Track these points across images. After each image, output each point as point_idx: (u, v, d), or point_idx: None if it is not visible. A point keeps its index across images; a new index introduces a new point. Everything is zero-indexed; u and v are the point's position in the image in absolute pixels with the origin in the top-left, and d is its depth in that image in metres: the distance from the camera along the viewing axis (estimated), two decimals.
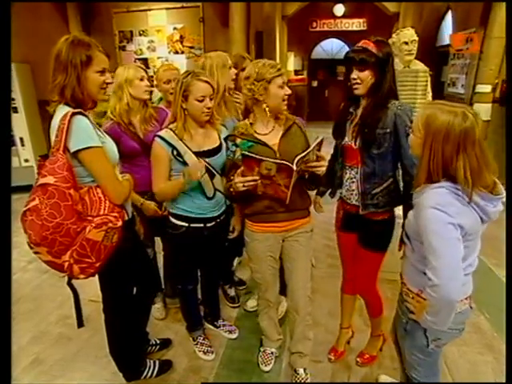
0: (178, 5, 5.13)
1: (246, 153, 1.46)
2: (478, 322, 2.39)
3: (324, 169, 1.53)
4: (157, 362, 1.99)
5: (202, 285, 2.27)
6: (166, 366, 2.01)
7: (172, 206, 1.82)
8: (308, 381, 1.91)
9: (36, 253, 1.34)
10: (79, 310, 1.57)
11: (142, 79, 1.97)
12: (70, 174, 1.30)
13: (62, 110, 1.35)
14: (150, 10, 5.25)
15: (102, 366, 2.04)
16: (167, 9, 5.20)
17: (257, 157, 1.44)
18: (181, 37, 5.24)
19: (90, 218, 1.35)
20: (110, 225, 1.37)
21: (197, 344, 2.15)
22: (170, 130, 1.71)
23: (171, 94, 2.04)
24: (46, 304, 2.61)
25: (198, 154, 1.71)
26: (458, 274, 1.06)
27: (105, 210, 1.39)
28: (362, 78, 1.49)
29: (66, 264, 1.34)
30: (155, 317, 2.44)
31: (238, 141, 1.63)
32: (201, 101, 1.65)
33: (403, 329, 1.36)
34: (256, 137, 1.62)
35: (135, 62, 5.39)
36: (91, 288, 2.07)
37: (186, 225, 1.82)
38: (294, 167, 1.42)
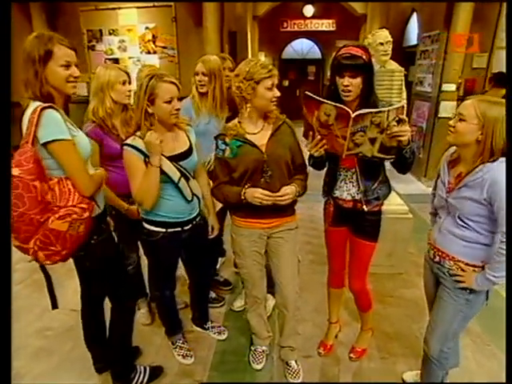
0: (150, 4, 5.02)
1: (308, 93, 1.45)
2: None
3: (409, 135, 1.43)
4: (147, 368, 1.95)
5: (190, 288, 2.26)
6: (157, 371, 1.98)
7: (148, 212, 1.75)
8: (300, 372, 1.95)
9: None
10: (52, 292, 1.60)
11: (123, 83, 1.91)
12: (36, 165, 1.31)
13: (33, 106, 1.35)
14: (119, 8, 5.10)
15: (86, 378, 1.97)
16: (138, 8, 5.08)
17: (317, 98, 1.41)
18: (153, 36, 5.13)
19: (56, 208, 1.37)
20: (75, 216, 1.39)
21: (176, 348, 2.13)
22: (139, 137, 1.62)
23: None
24: (23, 316, 2.48)
25: (171, 159, 1.68)
26: None
27: (73, 201, 1.41)
28: (355, 85, 1.49)
29: (31, 250, 1.40)
30: (141, 322, 2.39)
31: (228, 139, 1.63)
32: (169, 102, 1.60)
33: (465, 300, 1.48)
34: (245, 137, 1.62)
35: (105, 62, 5.23)
36: (73, 297, 2.01)
37: (164, 230, 1.77)
38: (352, 115, 1.35)
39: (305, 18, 10.72)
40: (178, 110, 1.64)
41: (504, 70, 4.93)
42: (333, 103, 1.39)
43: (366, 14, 8.54)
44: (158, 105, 1.59)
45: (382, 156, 1.50)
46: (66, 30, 5.31)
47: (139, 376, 1.89)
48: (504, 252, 1.29)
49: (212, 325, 2.30)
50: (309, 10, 10.44)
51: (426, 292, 1.75)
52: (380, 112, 1.36)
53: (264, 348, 2.08)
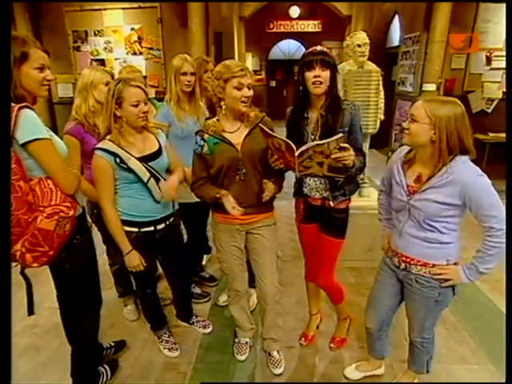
0: (135, 5, 5.04)
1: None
2: None
3: (352, 158, 1.51)
4: (106, 367, 1.99)
5: (171, 288, 2.29)
6: (114, 365, 2.04)
7: (120, 212, 1.78)
8: (282, 362, 2.03)
9: None
10: (31, 298, 1.57)
11: (107, 84, 1.96)
12: (18, 166, 1.31)
13: None
14: (105, 9, 5.11)
15: None
16: (123, 9, 5.09)
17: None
18: (139, 37, 5.15)
19: (41, 208, 1.37)
20: (62, 214, 1.39)
21: (161, 342, 2.18)
22: (109, 140, 1.68)
23: None
24: None
25: (141, 159, 1.73)
26: None
27: (56, 200, 1.41)
28: (324, 78, 1.59)
29: (18, 253, 1.36)
30: (128, 318, 2.44)
31: (206, 136, 1.68)
32: (136, 105, 1.65)
33: (434, 302, 1.53)
34: (222, 135, 1.68)
35: (91, 63, 5.23)
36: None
37: (136, 230, 1.80)
38: (296, 153, 1.46)
39: (291, 18, 10.83)
40: (144, 112, 1.69)
41: (481, 71, 5.12)
42: (281, 138, 1.51)
43: (351, 16, 8.70)
44: (125, 108, 1.65)
45: (333, 175, 1.61)
46: (51, 30, 5.30)
47: (102, 376, 1.95)
48: (495, 245, 1.34)
49: (197, 319, 2.36)
50: (294, 10, 10.56)
51: (379, 296, 1.74)
52: (318, 145, 1.47)
53: (247, 340, 2.15)
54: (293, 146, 1.46)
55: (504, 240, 1.34)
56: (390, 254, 1.64)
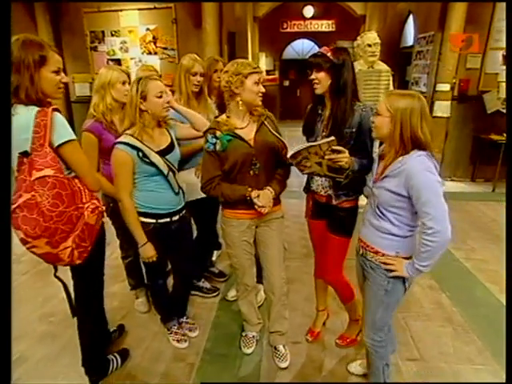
0: (151, 5, 5.14)
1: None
2: (440, 299, 2.62)
3: (346, 160, 1.57)
4: (116, 355, 2.06)
5: (175, 279, 2.31)
6: (124, 354, 2.12)
7: (138, 205, 1.84)
8: (288, 356, 2.06)
9: (32, 247, 1.38)
10: (70, 298, 1.64)
11: (123, 83, 2.04)
12: (60, 166, 1.38)
13: (22, 110, 1.35)
14: (121, 10, 5.22)
15: None
16: (139, 9, 5.19)
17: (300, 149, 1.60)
18: (154, 38, 5.25)
19: (81, 205, 1.43)
20: (100, 209, 1.49)
21: (171, 333, 2.24)
22: (129, 135, 1.76)
23: None
24: (27, 305, 2.61)
25: (158, 153, 1.81)
26: (448, 220, 1.34)
27: (86, 197, 1.48)
28: (319, 79, 1.69)
29: (68, 250, 1.41)
30: (139, 310, 2.52)
31: (218, 133, 1.73)
32: (159, 97, 1.76)
33: (384, 291, 1.55)
34: (235, 131, 1.73)
35: (107, 62, 5.35)
36: None
37: (154, 221, 1.87)
38: (288, 155, 1.60)
39: (305, 18, 10.83)
40: (168, 103, 1.80)
41: (497, 71, 5.03)
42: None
43: (365, 15, 8.65)
44: (150, 100, 1.74)
45: (333, 175, 1.67)
46: (70, 31, 5.45)
47: (113, 364, 2.02)
48: (427, 243, 1.34)
49: (186, 320, 2.36)
50: (309, 10, 10.55)
51: (358, 284, 1.79)
52: (311, 147, 1.55)
53: (254, 334, 2.20)
54: (287, 148, 1.59)
55: (436, 240, 1.32)
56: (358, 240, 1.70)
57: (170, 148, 1.89)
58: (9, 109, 1.33)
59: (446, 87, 4.90)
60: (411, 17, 6.23)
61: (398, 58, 6.63)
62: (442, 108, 4.95)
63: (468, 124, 5.22)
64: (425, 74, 5.40)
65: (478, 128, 5.16)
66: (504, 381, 1.35)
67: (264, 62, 11.15)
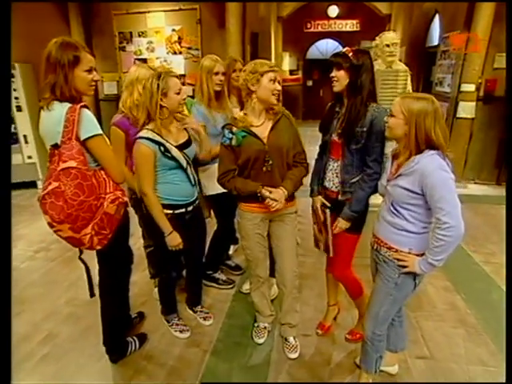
0: (176, 7, 5.31)
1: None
2: (454, 301, 2.61)
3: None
4: (135, 338, 2.18)
5: (187, 271, 2.42)
6: (143, 337, 2.24)
7: (158, 196, 1.91)
8: (298, 348, 2.12)
9: (57, 230, 1.52)
10: (90, 281, 1.77)
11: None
12: (85, 158, 1.51)
13: (57, 106, 1.48)
14: (148, 11, 5.42)
15: None
16: (165, 11, 5.38)
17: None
18: (179, 38, 5.42)
19: (102, 195, 1.55)
20: (120, 200, 1.60)
21: (172, 325, 2.32)
22: (150, 130, 1.83)
23: None
24: (54, 288, 2.80)
25: (177, 147, 1.91)
26: (461, 215, 1.39)
27: (110, 188, 1.60)
28: (338, 77, 1.76)
29: (88, 236, 1.54)
30: (157, 298, 2.62)
31: (234, 129, 1.81)
32: (178, 93, 1.84)
33: (394, 284, 1.60)
34: (250, 129, 1.81)
35: (135, 62, 5.56)
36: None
37: (171, 211, 1.96)
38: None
39: (329, 18, 10.77)
40: (184, 99, 1.91)
41: None
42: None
43: (391, 15, 8.53)
44: (170, 96, 1.83)
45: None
46: (100, 32, 5.71)
47: (131, 346, 2.14)
48: (441, 237, 1.39)
49: (201, 309, 2.46)
50: (333, 10, 10.49)
51: (372, 279, 1.81)
52: None
53: (266, 325, 2.27)
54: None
55: (451, 234, 1.37)
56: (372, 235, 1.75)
57: (187, 143, 1.99)
58: (9, 109, 1.48)
59: (470, 87, 4.79)
60: (437, 16, 6.11)
61: (423, 57, 6.52)
62: (466, 109, 4.85)
63: (494, 126, 5.07)
64: (449, 75, 5.29)
65: (505, 130, 5.02)
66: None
67: (288, 62, 11.19)
